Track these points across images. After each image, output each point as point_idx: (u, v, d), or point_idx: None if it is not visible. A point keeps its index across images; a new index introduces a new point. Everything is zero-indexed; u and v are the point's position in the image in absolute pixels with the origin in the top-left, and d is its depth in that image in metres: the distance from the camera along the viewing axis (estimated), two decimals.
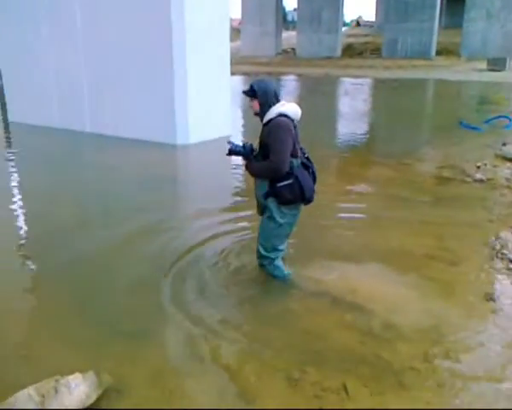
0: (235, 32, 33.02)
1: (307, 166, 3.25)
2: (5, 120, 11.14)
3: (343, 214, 4.98)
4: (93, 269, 3.77)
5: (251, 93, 3.23)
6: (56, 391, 2.12)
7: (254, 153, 3.27)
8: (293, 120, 3.21)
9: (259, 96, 3.19)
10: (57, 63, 9.62)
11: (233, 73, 9.42)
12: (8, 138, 10.02)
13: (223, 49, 8.63)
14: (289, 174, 3.12)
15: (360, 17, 52.25)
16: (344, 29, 38.21)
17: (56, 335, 2.88)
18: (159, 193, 5.67)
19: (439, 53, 29.07)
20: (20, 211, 5.22)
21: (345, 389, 2.36)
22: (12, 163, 7.64)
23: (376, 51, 31.84)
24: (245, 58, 32.05)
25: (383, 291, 3.36)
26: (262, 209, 3.36)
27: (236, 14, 42.07)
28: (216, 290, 3.37)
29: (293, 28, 40.31)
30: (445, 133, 9.33)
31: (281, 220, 3.24)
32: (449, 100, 15.04)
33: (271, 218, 3.25)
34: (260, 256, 3.41)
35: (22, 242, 4.40)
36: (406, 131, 10.06)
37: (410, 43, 29.32)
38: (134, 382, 2.43)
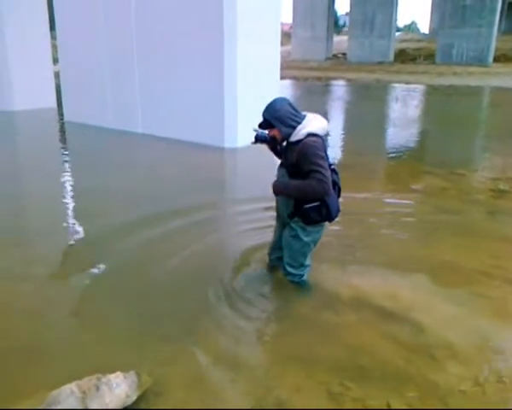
0: (286, 37, 33.01)
1: (334, 182, 3.08)
2: (61, 119, 11.60)
3: (388, 222, 4.84)
4: (140, 269, 3.80)
5: (265, 125, 3.04)
6: (98, 389, 2.14)
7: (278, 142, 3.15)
8: (321, 137, 3.03)
9: (278, 123, 2.97)
10: (111, 64, 9.91)
11: (282, 78, 9.38)
12: (63, 137, 10.43)
13: (273, 52, 8.63)
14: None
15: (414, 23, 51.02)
16: (397, 34, 37.42)
17: (100, 333, 2.93)
18: (209, 195, 5.70)
19: (496, 59, 27.94)
20: (71, 208, 5.39)
21: (388, 408, 2.27)
22: (66, 162, 7.93)
23: (430, 57, 30.99)
24: (294, 62, 31.97)
25: (430, 305, 3.22)
26: (283, 220, 3.31)
27: (287, 18, 42.03)
28: (259, 295, 3.33)
29: (345, 33, 39.86)
30: (501, 143, 8.93)
31: (306, 239, 3.17)
32: (506, 108, 14.40)
33: (296, 237, 3.17)
34: (288, 274, 3.35)
35: (72, 240, 4.50)
36: (460, 139, 9.70)
37: (466, 48, 28.32)
38: (173, 384, 2.43)
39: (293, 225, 3.16)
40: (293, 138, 2.99)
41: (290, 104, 3.03)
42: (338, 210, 3.12)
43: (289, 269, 3.32)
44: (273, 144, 3.20)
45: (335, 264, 3.79)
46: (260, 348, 2.78)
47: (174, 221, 4.74)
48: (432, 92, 19.20)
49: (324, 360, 2.65)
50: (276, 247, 3.47)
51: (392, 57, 32.26)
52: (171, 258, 3.92)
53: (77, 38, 10.57)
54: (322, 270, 3.67)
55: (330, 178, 2.94)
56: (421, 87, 20.33)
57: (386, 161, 7.98)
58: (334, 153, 8.80)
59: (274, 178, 3.18)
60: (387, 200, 5.62)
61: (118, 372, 2.27)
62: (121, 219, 4.92)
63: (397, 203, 5.48)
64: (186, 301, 3.30)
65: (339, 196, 3.18)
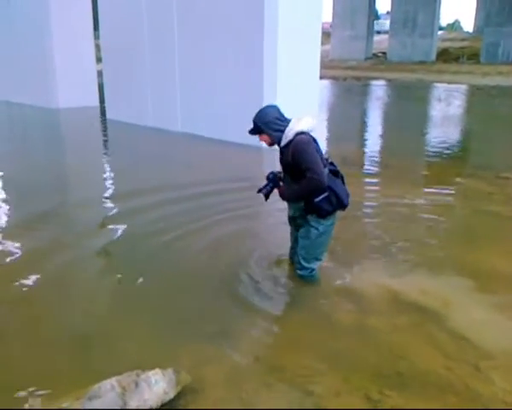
0: (325, 36, 32.71)
1: (336, 171, 3.22)
2: (103, 117, 11.89)
3: (427, 225, 4.73)
4: (181, 268, 3.83)
5: (254, 130, 3.22)
6: (137, 385, 2.17)
7: (280, 175, 3.28)
8: (309, 134, 3.16)
9: (265, 128, 3.15)
10: (153, 63, 10.08)
11: (321, 77, 9.30)
12: (105, 135, 10.68)
13: (313, 52, 8.55)
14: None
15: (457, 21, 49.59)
16: (440, 33, 36.47)
17: (140, 330, 2.96)
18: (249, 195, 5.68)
19: None
20: (113, 207, 5.50)
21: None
22: (107, 159, 8.12)
23: (474, 56, 30.07)
24: (334, 62, 31.69)
25: (470, 311, 3.14)
26: (296, 222, 3.39)
27: (326, 17, 41.67)
28: (292, 297, 3.33)
29: (385, 32, 39.17)
30: None
31: (321, 231, 3.25)
32: None
33: (311, 231, 3.25)
34: (302, 268, 3.39)
35: (112, 238, 4.58)
36: (506, 142, 9.36)
37: None
38: (210, 383, 2.44)
39: (309, 220, 3.23)
40: (284, 141, 3.15)
41: (279, 111, 3.21)
42: (347, 196, 3.23)
43: (303, 262, 3.37)
44: (277, 186, 3.30)
45: (373, 265, 3.75)
46: (297, 350, 2.74)
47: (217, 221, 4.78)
48: (476, 93, 18.64)
49: (362, 364, 2.60)
50: (295, 251, 3.51)
51: (434, 56, 31.49)
52: (205, 251, 3.95)
53: (120, 38, 10.81)
54: (360, 271, 3.64)
55: (322, 171, 3.04)
56: (464, 87, 19.77)
57: (427, 162, 7.79)
58: (373, 153, 8.67)
59: None
60: (427, 201, 5.48)
61: (156, 369, 2.29)
62: (159, 218, 4.97)
63: (437, 205, 5.33)
64: (220, 297, 3.31)
65: (343, 183, 3.28)
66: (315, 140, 3.18)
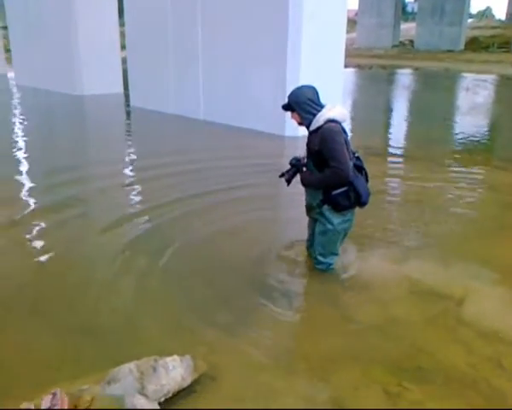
0: (351, 24, 32.22)
1: (360, 167, 3.15)
2: (127, 104, 11.97)
3: (451, 217, 4.65)
4: (200, 253, 3.83)
5: (286, 106, 3.16)
6: (155, 370, 2.18)
7: (303, 161, 3.23)
8: (340, 124, 3.09)
9: (297, 107, 3.09)
10: (176, 51, 10.08)
11: (346, 66, 9.17)
12: (129, 122, 10.77)
13: (338, 39, 8.42)
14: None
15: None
16: (469, 21, 35.53)
17: (158, 317, 2.98)
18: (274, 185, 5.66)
19: None
20: (133, 191, 5.55)
21: None
22: (129, 144, 8.18)
23: (506, 45, 29.19)
24: (359, 50, 31.20)
25: (492, 303, 3.08)
26: (312, 214, 3.35)
27: (352, 4, 41.02)
28: (309, 288, 3.32)
29: (413, 20, 38.39)
30: None
31: (337, 227, 3.20)
32: None
33: (327, 225, 3.20)
34: (318, 263, 3.36)
35: (142, 224, 4.59)
36: None
37: None
38: (227, 371, 2.44)
39: (324, 212, 3.18)
40: (314, 126, 3.07)
41: (315, 93, 3.11)
42: (368, 194, 3.16)
43: (319, 258, 3.34)
44: (300, 171, 3.26)
45: (393, 253, 3.73)
46: (316, 342, 2.72)
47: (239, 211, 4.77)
48: (506, 83, 18.12)
49: (381, 357, 2.57)
50: (311, 243, 3.47)
51: (462, 45, 30.72)
52: (224, 237, 3.96)
53: (144, 25, 10.84)
54: (380, 259, 3.61)
55: (348, 164, 2.99)
56: (493, 77, 19.23)
57: (453, 153, 7.61)
58: (399, 143, 8.53)
59: None
60: (452, 192, 5.38)
61: (174, 356, 2.30)
62: (180, 203, 4.98)
63: (463, 196, 5.23)
64: (238, 286, 3.31)
65: (367, 180, 3.23)
66: (345, 131, 3.12)
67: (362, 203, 3.15)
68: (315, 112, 3.06)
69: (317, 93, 3.12)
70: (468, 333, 2.77)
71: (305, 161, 3.25)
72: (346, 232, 3.31)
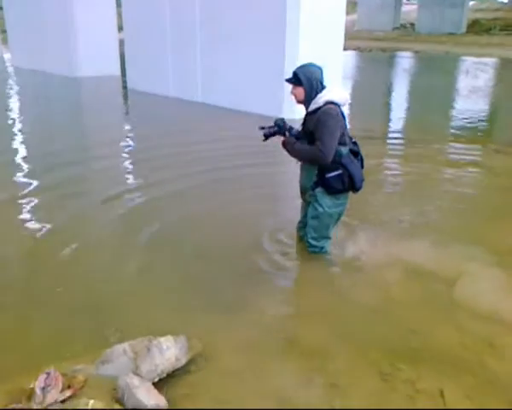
0: (351, 5, 31.84)
1: (356, 152, 3.12)
2: (124, 86, 11.88)
3: (448, 198, 4.65)
4: (197, 237, 3.83)
5: (294, 80, 3.06)
6: (148, 350, 2.18)
7: (288, 126, 3.16)
8: (340, 106, 3.04)
9: (304, 83, 3.01)
10: (174, 34, 9.98)
11: (345, 48, 9.08)
12: (126, 104, 10.70)
13: (337, 21, 8.33)
14: (338, 164, 3.02)
15: None
16: (471, 3, 35.10)
17: (154, 297, 2.98)
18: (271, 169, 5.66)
19: None
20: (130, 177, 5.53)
21: (441, 394, 2.17)
22: (128, 127, 8.13)
23: (508, 28, 28.88)
24: (360, 32, 30.90)
25: (486, 285, 3.09)
26: (306, 197, 3.31)
27: None
28: (303, 269, 3.32)
29: (414, 2, 37.92)
30: None
31: (329, 210, 3.17)
32: None
33: (320, 208, 3.17)
34: (311, 246, 3.34)
35: (135, 202, 4.60)
36: None
37: None
38: (222, 350, 2.44)
39: (317, 195, 3.15)
40: (313, 106, 3.04)
41: (322, 74, 3.08)
42: (362, 180, 3.14)
43: (312, 241, 3.32)
44: (281, 133, 3.18)
45: (387, 235, 3.73)
46: (311, 323, 2.73)
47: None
48: (507, 66, 17.99)
49: (376, 338, 2.57)
50: (303, 225, 3.45)
51: (464, 28, 30.38)
52: (223, 221, 3.98)
53: (141, 6, 10.70)
54: (374, 242, 3.61)
55: (331, 151, 2.96)
56: (494, 61, 19.08)
57: (452, 137, 7.58)
58: (397, 128, 8.49)
59: None
60: (452, 176, 5.37)
61: (168, 336, 2.30)
62: (177, 184, 4.98)
63: (462, 180, 5.23)
64: (235, 268, 3.31)
65: (362, 166, 3.19)
66: (343, 115, 3.07)
67: (355, 189, 3.13)
68: (318, 92, 3.02)
69: (322, 74, 3.08)
70: (462, 314, 2.77)
71: (293, 130, 3.19)
72: (340, 216, 3.29)
